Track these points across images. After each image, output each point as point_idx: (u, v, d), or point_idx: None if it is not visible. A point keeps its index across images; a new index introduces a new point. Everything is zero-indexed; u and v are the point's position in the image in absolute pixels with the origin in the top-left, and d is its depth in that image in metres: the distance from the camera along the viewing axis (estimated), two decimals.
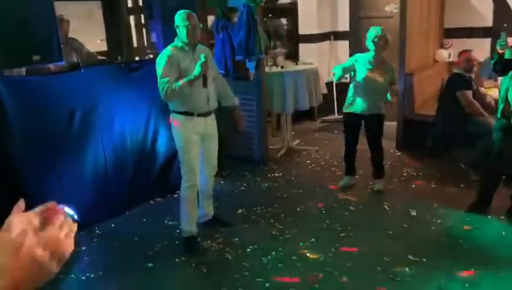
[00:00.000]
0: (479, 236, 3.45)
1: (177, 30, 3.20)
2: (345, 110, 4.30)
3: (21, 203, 0.82)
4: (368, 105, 4.08)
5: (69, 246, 0.83)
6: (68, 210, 2.99)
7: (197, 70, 3.05)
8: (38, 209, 0.84)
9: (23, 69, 3.67)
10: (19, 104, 3.41)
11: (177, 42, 3.24)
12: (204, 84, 3.19)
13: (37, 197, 3.47)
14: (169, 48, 3.22)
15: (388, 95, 3.93)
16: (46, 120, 3.57)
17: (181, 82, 3.06)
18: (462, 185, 4.33)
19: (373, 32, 4.03)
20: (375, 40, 4.00)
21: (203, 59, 3.02)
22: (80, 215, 3.18)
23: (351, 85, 4.21)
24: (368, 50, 4.12)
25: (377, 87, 4.03)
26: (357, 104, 4.14)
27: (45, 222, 0.82)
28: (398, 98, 5.45)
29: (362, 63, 4.11)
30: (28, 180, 3.49)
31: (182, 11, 3.22)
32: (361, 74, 4.09)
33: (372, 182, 4.39)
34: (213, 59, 3.49)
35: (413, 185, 4.45)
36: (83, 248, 3.54)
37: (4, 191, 3.36)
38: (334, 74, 4.23)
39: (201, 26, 3.35)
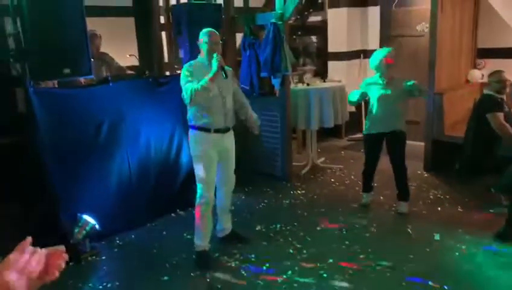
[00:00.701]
0: (505, 266, 3.30)
1: (200, 46, 3.35)
2: (364, 133, 4.32)
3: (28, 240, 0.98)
4: (387, 124, 4.07)
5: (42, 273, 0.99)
6: (89, 219, 3.09)
7: (213, 65, 3.16)
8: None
9: (55, 81, 3.81)
10: (49, 115, 3.54)
11: (199, 58, 3.39)
12: (225, 76, 3.26)
13: (64, 205, 3.59)
14: (192, 61, 3.40)
15: (414, 90, 3.92)
16: (74, 131, 3.68)
17: (203, 81, 3.14)
18: (491, 210, 4.17)
19: (380, 53, 4.12)
20: (383, 59, 4.05)
21: (216, 56, 3.16)
22: (102, 225, 3.28)
23: (368, 109, 4.22)
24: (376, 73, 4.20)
25: (393, 103, 4.03)
26: (376, 125, 4.13)
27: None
28: (427, 117, 5.36)
29: (374, 85, 4.15)
30: (56, 188, 3.59)
31: (205, 29, 3.36)
32: (375, 95, 4.10)
33: (396, 204, 4.29)
34: (231, 71, 3.54)
35: (439, 209, 4.32)
36: (103, 257, 3.61)
37: (35, 197, 3.49)
38: (349, 102, 4.31)
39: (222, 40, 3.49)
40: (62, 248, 1.08)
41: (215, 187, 3.53)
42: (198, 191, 3.39)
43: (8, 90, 3.70)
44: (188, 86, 3.19)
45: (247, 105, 3.64)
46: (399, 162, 4.15)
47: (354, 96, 4.14)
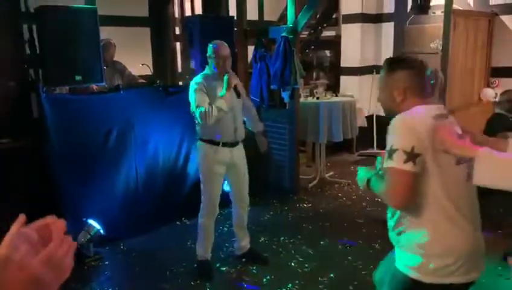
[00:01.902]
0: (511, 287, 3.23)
1: (209, 60, 3.25)
2: None
3: (21, 218, 0.78)
4: None
5: (69, 264, 0.78)
6: (95, 224, 3.16)
7: (224, 83, 3.13)
8: (37, 224, 0.80)
9: (66, 88, 3.90)
10: (60, 120, 3.63)
11: (207, 70, 3.29)
12: (238, 96, 3.26)
13: (70, 208, 3.65)
14: (199, 76, 3.26)
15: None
16: (83, 136, 3.76)
17: (217, 103, 3.08)
18: (499, 231, 4.10)
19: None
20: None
21: (226, 77, 3.13)
22: (106, 230, 3.32)
23: None
24: None
25: None
26: None
27: (45, 238, 0.78)
28: None
29: None
30: (63, 193, 3.66)
31: (215, 42, 3.26)
32: None
33: None
34: (241, 84, 3.54)
35: None
36: (106, 263, 3.65)
37: (42, 202, 3.55)
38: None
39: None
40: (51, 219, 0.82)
41: (232, 203, 3.53)
42: (202, 203, 3.38)
43: (23, 96, 3.80)
44: (200, 110, 3.06)
45: (256, 116, 3.63)
46: None
47: None
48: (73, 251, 0.80)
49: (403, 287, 1.82)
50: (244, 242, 3.65)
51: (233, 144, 3.31)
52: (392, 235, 1.90)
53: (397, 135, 1.71)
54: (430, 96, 1.97)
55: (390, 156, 1.67)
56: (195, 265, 3.50)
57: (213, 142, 3.24)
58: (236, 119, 3.30)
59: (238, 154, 3.37)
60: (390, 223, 1.89)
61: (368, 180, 1.90)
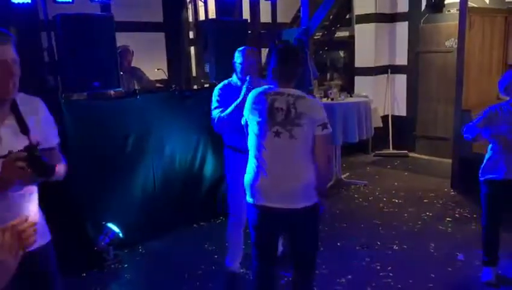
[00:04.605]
0: None
1: (234, 66, 3.18)
2: (483, 178, 3.21)
3: None
4: None
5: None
6: (114, 228, 3.21)
7: (243, 91, 3.00)
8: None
9: (84, 94, 3.97)
10: (78, 126, 3.68)
11: (233, 77, 3.22)
12: None
13: (89, 213, 3.71)
14: (226, 81, 3.23)
15: None
16: (101, 141, 3.81)
17: (229, 109, 3.05)
18: None
19: None
20: None
21: (246, 83, 3.00)
22: (125, 234, 3.36)
23: (489, 147, 3.21)
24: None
25: None
26: (500, 167, 3.09)
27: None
28: (454, 134, 5.27)
29: (504, 114, 3.05)
30: (83, 197, 3.71)
31: (241, 48, 3.18)
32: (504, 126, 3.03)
33: None
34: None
35: (465, 227, 4.22)
36: (125, 265, 3.70)
37: (62, 207, 3.62)
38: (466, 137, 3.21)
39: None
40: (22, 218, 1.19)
41: None
42: (229, 209, 3.33)
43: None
44: (215, 112, 3.08)
45: None
46: None
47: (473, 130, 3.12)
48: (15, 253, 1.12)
49: None
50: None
51: None
52: None
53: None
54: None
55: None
56: (214, 267, 3.52)
57: (235, 149, 3.18)
58: None
59: None
60: None
61: None
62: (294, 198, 2.37)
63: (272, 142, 2.35)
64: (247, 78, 3.01)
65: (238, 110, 2.86)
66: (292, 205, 2.37)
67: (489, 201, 3.17)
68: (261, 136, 2.37)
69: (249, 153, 2.48)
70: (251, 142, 2.44)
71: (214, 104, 3.15)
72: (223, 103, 3.11)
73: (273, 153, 2.35)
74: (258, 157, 2.40)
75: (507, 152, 3.03)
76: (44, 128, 1.78)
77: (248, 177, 2.45)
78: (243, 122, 2.55)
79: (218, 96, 3.15)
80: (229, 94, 3.12)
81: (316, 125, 2.31)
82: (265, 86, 2.43)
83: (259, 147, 2.38)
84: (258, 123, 2.38)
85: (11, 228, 1.13)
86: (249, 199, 2.48)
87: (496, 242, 3.21)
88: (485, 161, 3.18)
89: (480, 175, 3.21)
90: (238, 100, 2.99)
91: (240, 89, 3.09)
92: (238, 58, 3.15)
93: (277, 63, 2.35)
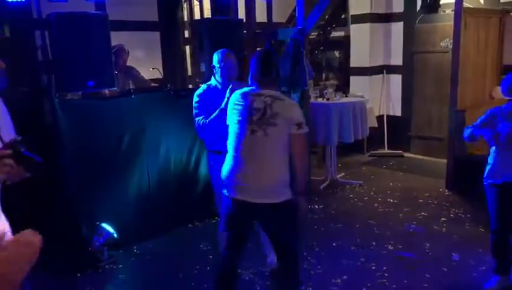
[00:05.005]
0: None
1: (214, 69, 3.20)
2: (488, 182, 3.11)
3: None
4: None
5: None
6: (108, 228, 3.18)
7: (224, 102, 2.99)
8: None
9: (79, 93, 3.94)
10: (73, 125, 3.66)
11: (212, 80, 3.23)
12: None
13: (83, 213, 3.69)
14: (205, 85, 3.23)
15: None
16: (96, 141, 3.79)
17: (212, 116, 3.05)
18: None
19: None
20: None
21: (228, 94, 2.94)
22: (120, 234, 3.34)
23: (492, 150, 3.12)
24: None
25: None
26: (507, 170, 3.01)
27: None
28: (449, 134, 5.28)
29: (505, 115, 3.01)
30: (77, 197, 3.68)
31: (220, 51, 3.19)
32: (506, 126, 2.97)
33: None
34: None
35: (459, 227, 4.23)
36: (120, 266, 3.68)
37: (55, 207, 3.60)
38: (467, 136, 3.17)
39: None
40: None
41: None
42: (219, 211, 3.26)
43: (36, 101, 3.85)
44: (197, 120, 3.09)
45: None
46: None
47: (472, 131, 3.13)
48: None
49: None
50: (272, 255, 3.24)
51: None
52: None
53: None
54: None
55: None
56: (208, 268, 3.51)
57: (219, 152, 3.08)
58: None
59: None
60: None
61: None
62: (268, 193, 2.47)
63: (247, 140, 2.48)
64: (230, 85, 3.00)
65: (222, 115, 2.89)
66: (265, 199, 2.47)
67: (498, 205, 3.05)
68: (239, 134, 2.51)
69: (228, 150, 2.60)
70: (230, 140, 2.58)
71: (195, 110, 3.15)
72: (204, 108, 3.11)
73: (249, 150, 2.49)
74: (234, 154, 2.54)
75: (507, 154, 2.99)
76: (3, 124, 1.73)
77: (224, 171, 2.59)
78: (227, 123, 2.67)
79: (198, 102, 3.15)
80: (210, 97, 3.13)
81: (291, 125, 2.45)
82: (246, 88, 2.60)
83: (237, 145, 2.52)
84: (237, 122, 2.53)
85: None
86: (224, 192, 2.61)
87: (506, 246, 3.07)
88: (489, 165, 3.12)
89: (484, 180, 3.13)
90: (222, 105, 2.99)
91: (220, 91, 3.11)
92: (216, 61, 3.18)
93: (256, 69, 2.55)
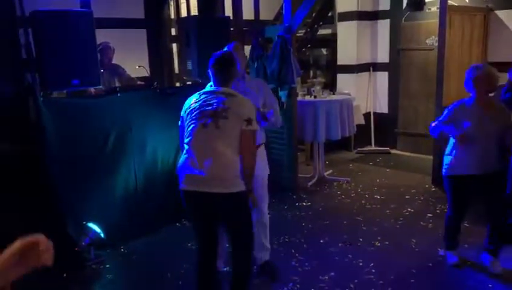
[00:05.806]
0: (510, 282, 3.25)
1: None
2: (448, 174, 3.34)
3: None
4: (482, 162, 3.19)
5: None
6: (95, 228, 3.14)
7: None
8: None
9: (64, 91, 3.89)
10: (58, 124, 3.61)
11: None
12: None
13: (70, 213, 3.65)
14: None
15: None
16: (82, 140, 3.75)
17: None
18: None
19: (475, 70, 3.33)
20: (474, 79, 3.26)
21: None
22: (107, 234, 3.31)
23: (452, 141, 3.32)
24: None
25: (491, 135, 3.17)
26: (465, 163, 3.23)
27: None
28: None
29: (466, 111, 3.23)
30: (63, 196, 3.64)
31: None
32: (467, 122, 3.18)
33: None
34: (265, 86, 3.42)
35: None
36: (107, 266, 3.65)
37: (41, 206, 3.55)
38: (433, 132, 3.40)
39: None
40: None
41: None
42: None
43: (20, 100, 3.79)
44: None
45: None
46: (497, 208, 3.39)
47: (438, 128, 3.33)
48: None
49: None
50: (262, 253, 3.38)
51: None
52: None
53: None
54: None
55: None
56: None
57: None
58: None
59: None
60: None
61: None
62: (219, 184, 2.54)
63: (200, 133, 2.57)
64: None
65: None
66: (217, 189, 2.53)
67: (455, 195, 3.37)
68: (192, 128, 2.60)
69: (184, 146, 2.67)
70: (186, 135, 2.65)
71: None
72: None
73: (201, 143, 2.57)
74: (188, 148, 2.61)
75: (469, 148, 3.18)
76: None
77: (179, 165, 2.67)
78: (179, 122, 2.79)
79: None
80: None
81: (241, 121, 2.55)
82: (207, 87, 2.72)
83: (190, 138, 2.60)
84: (192, 118, 2.62)
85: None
86: (180, 186, 2.67)
87: (457, 229, 3.50)
88: (449, 158, 3.33)
89: (444, 172, 3.38)
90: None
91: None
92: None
93: (213, 70, 2.68)
